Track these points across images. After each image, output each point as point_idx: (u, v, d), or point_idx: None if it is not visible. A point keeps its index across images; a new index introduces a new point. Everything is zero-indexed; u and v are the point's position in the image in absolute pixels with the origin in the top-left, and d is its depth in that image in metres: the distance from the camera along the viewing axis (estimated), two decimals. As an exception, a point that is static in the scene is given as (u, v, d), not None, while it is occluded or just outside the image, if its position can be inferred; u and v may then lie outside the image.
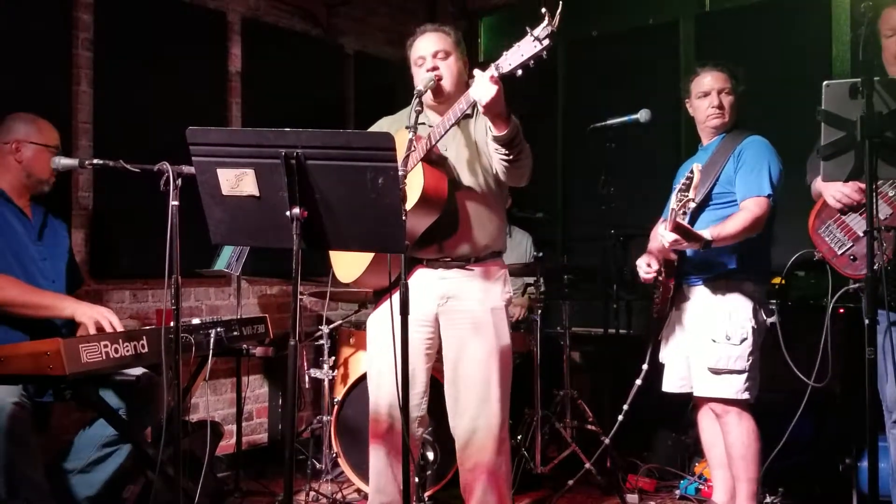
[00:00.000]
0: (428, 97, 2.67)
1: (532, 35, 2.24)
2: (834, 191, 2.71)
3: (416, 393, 2.78)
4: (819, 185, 2.83)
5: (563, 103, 5.36)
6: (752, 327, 3.06)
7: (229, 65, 4.48)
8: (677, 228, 2.85)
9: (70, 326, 2.94)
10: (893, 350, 2.56)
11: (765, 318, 3.12)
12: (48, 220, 3.15)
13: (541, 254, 4.24)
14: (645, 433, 4.10)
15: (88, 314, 2.82)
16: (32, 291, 2.86)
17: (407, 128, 2.40)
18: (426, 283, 2.76)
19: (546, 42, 2.22)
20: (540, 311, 4.02)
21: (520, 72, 2.30)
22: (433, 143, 2.58)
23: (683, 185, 2.83)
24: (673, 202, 2.86)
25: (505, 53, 2.32)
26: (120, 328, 2.80)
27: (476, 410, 2.72)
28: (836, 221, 2.76)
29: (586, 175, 4.39)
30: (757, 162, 3.03)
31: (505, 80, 2.34)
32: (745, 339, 3.04)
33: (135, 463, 2.99)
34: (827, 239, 2.78)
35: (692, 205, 2.86)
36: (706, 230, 2.92)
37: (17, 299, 2.80)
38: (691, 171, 2.83)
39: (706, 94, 3.19)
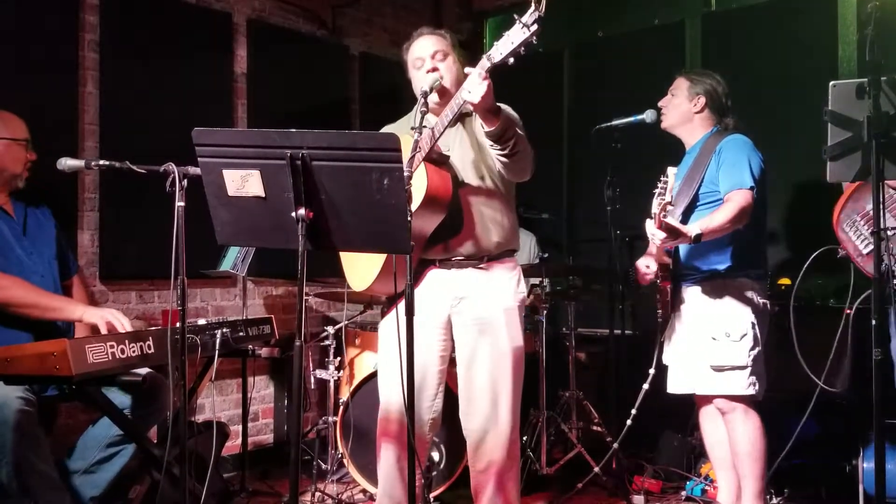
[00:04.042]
0: (431, 98, 2.66)
1: (520, 22, 2.29)
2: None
3: (428, 395, 2.76)
4: None
5: (569, 104, 5.35)
6: (752, 322, 3.07)
7: (235, 66, 4.49)
8: (664, 227, 2.87)
9: (68, 325, 2.94)
10: None
11: (764, 314, 3.11)
12: (29, 211, 3.09)
13: (546, 254, 4.24)
14: (651, 434, 4.08)
15: (99, 315, 2.84)
16: (40, 293, 2.86)
17: (412, 129, 2.40)
18: (439, 284, 2.75)
19: (534, 27, 2.27)
20: (545, 312, 4.02)
21: (511, 60, 2.35)
22: (434, 139, 2.58)
23: (661, 188, 2.85)
24: (654, 207, 2.88)
25: (496, 44, 2.36)
26: (129, 328, 2.81)
27: (488, 412, 2.72)
28: (863, 216, 2.64)
29: (592, 176, 4.38)
30: (736, 158, 3.08)
31: (500, 75, 2.37)
32: (745, 335, 3.05)
33: (140, 463, 3.00)
34: (852, 236, 2.67)
35: (670, 207, 2.90)
36: (694, 225, 2.95)
37: (23, 299, 2.80)
38: (665, 175, 2.86)
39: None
